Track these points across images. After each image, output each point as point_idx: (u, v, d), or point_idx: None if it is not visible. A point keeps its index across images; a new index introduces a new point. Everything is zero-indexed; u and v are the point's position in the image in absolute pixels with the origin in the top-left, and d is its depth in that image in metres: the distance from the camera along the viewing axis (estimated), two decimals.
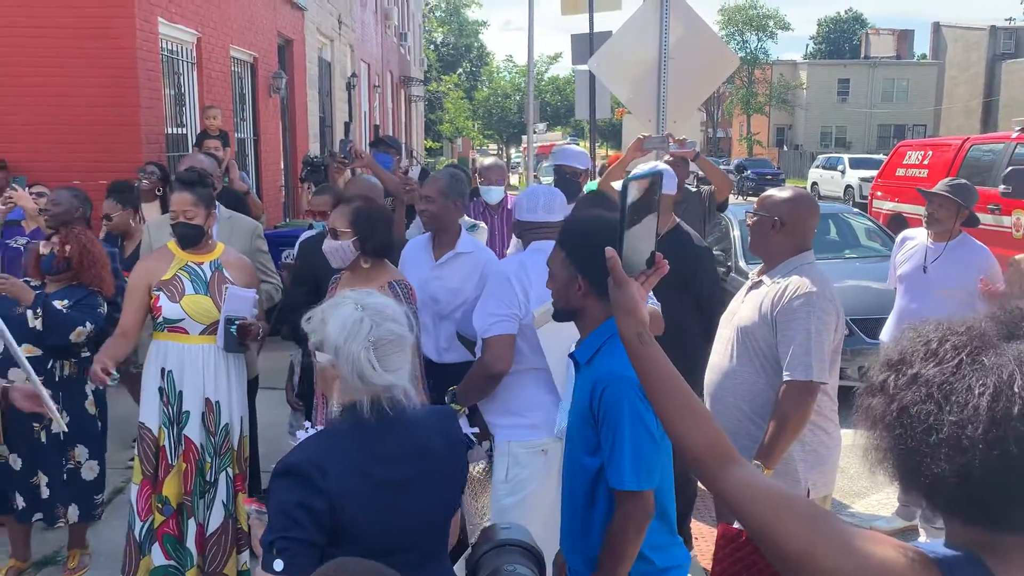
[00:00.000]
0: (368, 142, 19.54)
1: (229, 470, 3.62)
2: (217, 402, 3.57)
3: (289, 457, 1.85)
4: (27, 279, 3.88)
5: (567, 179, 5.09)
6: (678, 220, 4.03)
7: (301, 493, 1.76)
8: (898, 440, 1.13)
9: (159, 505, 3.55)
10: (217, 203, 4.22)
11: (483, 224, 5.13)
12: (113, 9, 7.07)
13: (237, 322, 3.47)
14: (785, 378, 2.85)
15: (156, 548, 3.55)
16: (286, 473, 1.80)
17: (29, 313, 3.71)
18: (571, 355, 2.29)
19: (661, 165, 4.01)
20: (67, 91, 7.08)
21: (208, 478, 3.57)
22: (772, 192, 3.12)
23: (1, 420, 3.83)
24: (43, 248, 3.85)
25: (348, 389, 1.87)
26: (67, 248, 3.84)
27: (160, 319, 3.51)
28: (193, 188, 3.58)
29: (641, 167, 4.14)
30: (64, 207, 4.36)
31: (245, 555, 3.73)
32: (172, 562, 3.55)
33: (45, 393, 2.97)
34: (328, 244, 3.25)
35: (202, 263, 3.60)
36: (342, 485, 1.79)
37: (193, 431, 3.54)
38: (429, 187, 3.88)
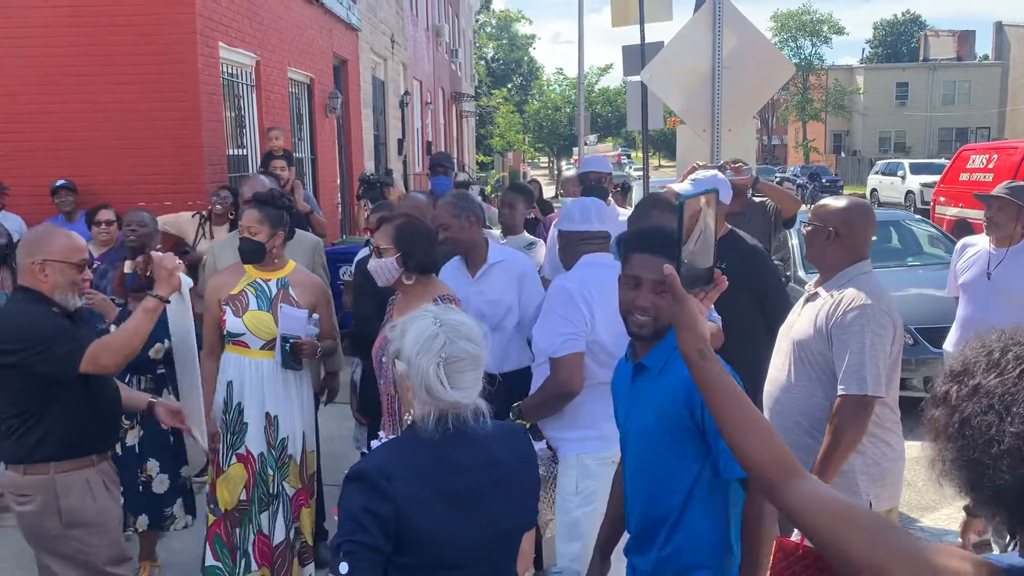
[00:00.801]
0: (426, 167, 19.80)
1: (287, 484, 3.68)
2: (276, 416, 3.64)
3: (360, 463, 1.91)
4: (112, 297, 4.05)
5: (593, 185, 5.14)
6: (731, 227, 4.02)
7: (368, 498, 1.80)
8: (961, 451, 1.13)
9: (210, 505, 3.66)
10: None
11: (541, 241, 5.18)
12: (176, 35, 7.29)
13: (291, 340, 3.54)
14: (840, 392, 2.81)
15: (207, 547, 3.65)
16: (356, 478, 1.85)
17: (113, 328, 3.86)
18: (640, 363, 2.28)
19: (720, 176, 3.98)
20: (131, 114, 7.32)
21: (271, 490, 3.64)
22: (827, 201, 3.08)
23: None
24: (127, 267, 4.01)
25: (419, 401, 1.91)
26: (149, 267, 4.01)
27: (225, 332, 3.62)
28: (262, 206, 3.66)
29: (697, 175, 4.13)
30: (148, 228, 4.62)
31: (310, 568, 3.79)
32: (219, 564, 3.62)
33: (198, 411, 3.15)
34: (372, 263, 3.26)
35: (269, 280, 3.68)
36: (409, 493, 1.82)
37: (252, 442, 3.62)
38: (440, 216, 3.87)
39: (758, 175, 5.09)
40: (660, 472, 2.23)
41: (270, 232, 3.64)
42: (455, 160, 19.03)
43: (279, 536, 3.66)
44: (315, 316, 3.69)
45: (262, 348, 3.61)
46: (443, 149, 23.19)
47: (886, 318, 2.84)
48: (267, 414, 3.63)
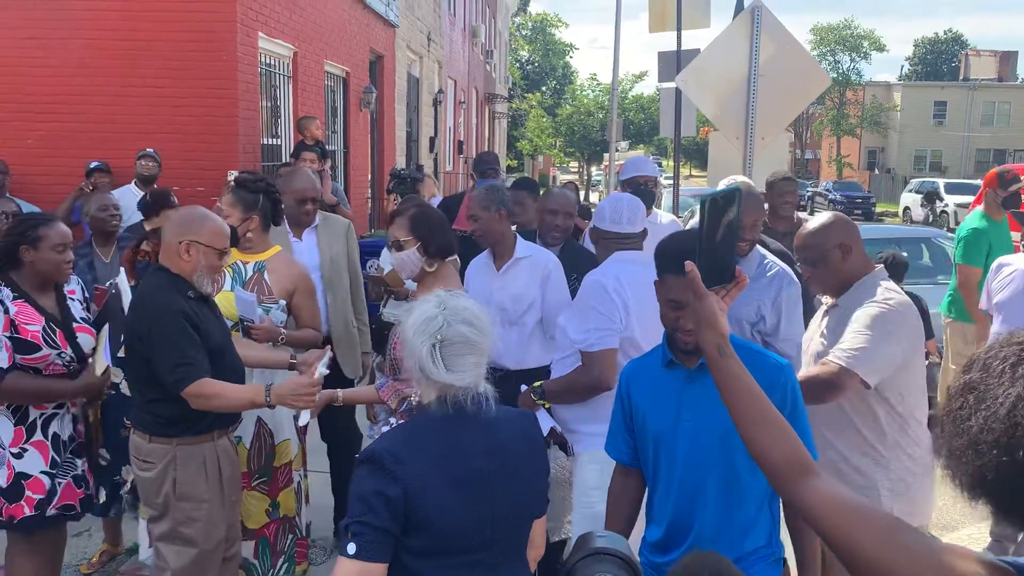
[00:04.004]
0: (457, 166, 19.81)
1: None
2: None
3: (370, 446, 1.93)
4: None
5: (642, 189, 5.06)
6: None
7: (378, 481, 1.82)
8: (949, 441, 1.16)
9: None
10: None
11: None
12: (216, 24, 7.39)
13: (245, 323, 3.50)
14: (827, 358, 2.74)
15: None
16: (366, 461, 1.87)
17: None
18: (702, 364, 2.23)
19: (739, 178, 3.98)
20: (169, 101, 7.43)
21: None
22: (813, 226, 3.01)
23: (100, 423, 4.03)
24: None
25: (418, 382, 1.93)
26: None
27: None
28: (237, 190, 3.67)
29: (722, 183, 4.14)
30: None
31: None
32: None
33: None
34: (394, 257, 3.22)
35: (248, 263, 3.68)
36: (418, 475, 1.83)
37: None
38: (472, 208, 3.88)
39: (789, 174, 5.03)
40: (738, 474, 2.23)
41: (242, 216, 3.62)
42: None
43: None
44: (281, 302, 3.65)
45: (231, 328, 3.53)
46: (474, 149, 23.25)
47: (902, 320, 2.79)
48: None
